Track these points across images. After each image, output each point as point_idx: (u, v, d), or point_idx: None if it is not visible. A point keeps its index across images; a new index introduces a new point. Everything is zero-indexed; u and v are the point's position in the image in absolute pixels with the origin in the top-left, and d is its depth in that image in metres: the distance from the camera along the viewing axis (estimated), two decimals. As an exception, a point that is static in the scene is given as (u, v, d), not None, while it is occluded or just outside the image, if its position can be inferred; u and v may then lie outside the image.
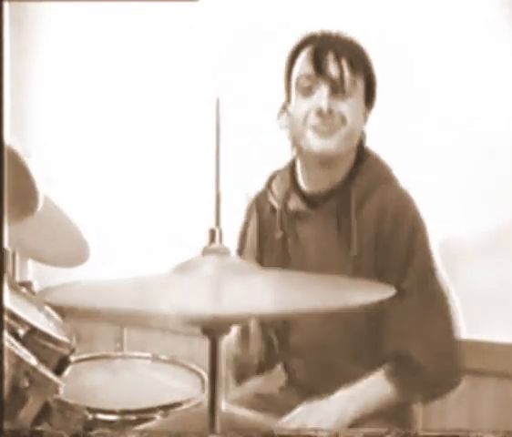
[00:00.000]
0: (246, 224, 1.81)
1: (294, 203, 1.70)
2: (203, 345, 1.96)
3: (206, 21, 2.67)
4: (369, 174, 1.66)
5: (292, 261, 1.70)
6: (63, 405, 1.87)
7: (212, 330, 0.96)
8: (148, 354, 2.30)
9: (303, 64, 1.62)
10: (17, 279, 2.85)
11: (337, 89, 1.58)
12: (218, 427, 0.99)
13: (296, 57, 1.65)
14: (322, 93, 1.58)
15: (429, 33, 2.35)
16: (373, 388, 1.57)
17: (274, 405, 1.66)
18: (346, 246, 1.60)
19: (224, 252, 0.99)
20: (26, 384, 1.39)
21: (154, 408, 1.90)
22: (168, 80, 2.85)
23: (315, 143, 1.59)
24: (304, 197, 1.68)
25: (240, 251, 1.79)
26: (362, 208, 1.61)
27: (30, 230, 2.20)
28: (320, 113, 1.57)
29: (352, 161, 1.66)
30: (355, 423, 1.53)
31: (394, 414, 1.60)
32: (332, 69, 1.59)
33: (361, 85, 1.63)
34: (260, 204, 1.80)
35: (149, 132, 2.88)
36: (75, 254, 2.31)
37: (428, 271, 1.59)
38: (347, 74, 1.59)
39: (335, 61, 1.59)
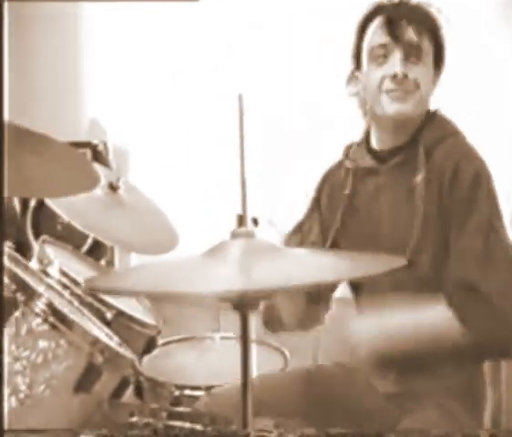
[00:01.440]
0: (317, 195, 1.89)
1: (366, 161, 1.76)
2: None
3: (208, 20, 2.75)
4: (436, 129, 1.68)
5: (362, 215, 1.75)
6: (154, 383, 2.00)
7: (242, 305, 1.05)
8: (235, 334, 2.39)
9: (376, 33, 1.67)
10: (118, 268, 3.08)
11: (410, 55, 1.63)
12: (250, 397, 1.07)
13: (366, 27, 1.70)
14: (395, 59, 1.63)
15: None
16: (430, 311, 1.53)
17: None
18: (414, 194, 1.63)
19: (250, 235, 1.08)
20: (100, 360, 1.53)
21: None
22: (196, 80, 2.97)
23: (390, 107, 1.64)
24: (375, 154, 1.75)
25: (308, 216, 1.87)
26: (429, 160, 1.64)
27: (124, 223, 2.35)
28: (394, 78, 1.62)
29: (419, 121, 1.70)
30: (408, 350, 1.51)
31: (464, 393, 1.61)
32: (406, 36, 1.63)
33: (430, 49, 1.67)
34: (332, 173, 1.88)
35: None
36: (165, 242, 2.42)
37: (492, 222, 1.56)
38: (420, 39, 1.64)
39: (408, 28, 1.63)
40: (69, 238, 2.67)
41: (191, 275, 1.01)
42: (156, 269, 1.12)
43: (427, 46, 1.66)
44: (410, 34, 1.63)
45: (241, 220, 1.07)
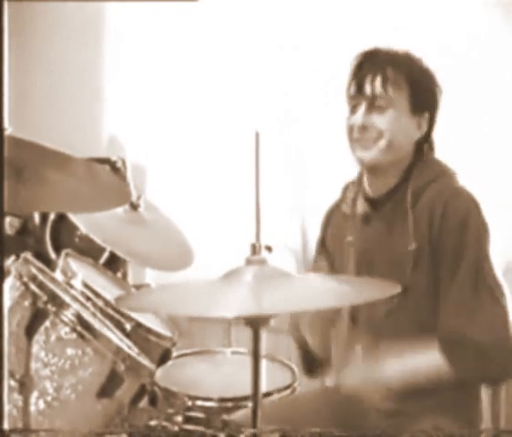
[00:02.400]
0: (322, 234, 1.99)
1: (361, 207, 1.84)
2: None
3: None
4: (424, 172, 1.74)
5: (359, 262, 1.82)
6: (167, 392, 2.07)
7: (254, 322, 1.18)
8: (245, 350, 2.44)
9: (349, 85, 1.76)
10: (132, 281, 3.17)
11: (374, 105, 1.71)
12: (260, 409, 1.19)
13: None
14: (361, 110, 1.72)
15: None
16: (423, 358, 1.61)
17: None
18: (404, 241, 1.69)
19: (263, 262, 1.21)
20: (122, 368, 1.66)
21: (248, 396, 2.07)
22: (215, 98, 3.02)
23: (358, 154, 1.74)
24: (368, 200, 1.82)
25: (317, 257, 1.97)
26: (417, 203, 1.70)
27: (142, 239, 2.46)
28: (358, 128, 1.72)
29: (407, 165, 1.76)
30: (406, 393, 1.60)
31: (460, 412, 1.69)
32: (368, 88, 1.71)
33: (404, 95, 1.72)
34: (333, 214, 1.97)
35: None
36: (180, 259, 2.51)
37: (480, 266, 1.63)
38: (383, 90, 1.70)
39: (373, 79, 1.70)
40: (87, 250, 2.75)
41: (208, 298, 1.14)
42: (176, 290, 1.25)
43: (399, 93, 1.70)
44: (375, 85, 1.69)
45: (255, 249, 1.19)
